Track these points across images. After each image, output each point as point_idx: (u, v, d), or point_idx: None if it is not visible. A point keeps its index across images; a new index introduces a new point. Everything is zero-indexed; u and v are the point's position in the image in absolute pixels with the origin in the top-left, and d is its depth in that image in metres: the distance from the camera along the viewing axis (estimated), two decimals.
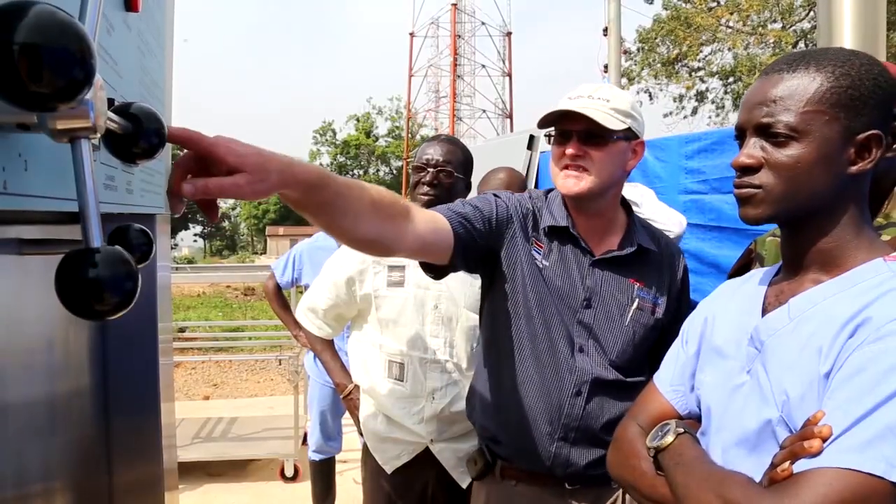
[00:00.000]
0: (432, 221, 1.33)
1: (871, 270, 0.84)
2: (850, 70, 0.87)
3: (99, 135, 0.48)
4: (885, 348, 0.75)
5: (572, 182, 1.40)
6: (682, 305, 1.51)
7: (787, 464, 0.79)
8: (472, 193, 2.64)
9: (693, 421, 1.05)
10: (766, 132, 0.90)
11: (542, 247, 1.49)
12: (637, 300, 1.46)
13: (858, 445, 0.73)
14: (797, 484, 0.76)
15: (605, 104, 1.38)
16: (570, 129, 1.40)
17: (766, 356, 0.88)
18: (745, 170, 0.92)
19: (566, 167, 1.41)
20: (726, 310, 1.03)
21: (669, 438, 0.97)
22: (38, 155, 0.54)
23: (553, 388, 1.45)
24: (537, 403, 1.46)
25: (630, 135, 1.43)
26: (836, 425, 0.75)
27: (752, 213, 0.92)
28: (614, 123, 1.37)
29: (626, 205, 1.57)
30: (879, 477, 0.71)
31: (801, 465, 0.77)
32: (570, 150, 1.39)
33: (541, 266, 1.47)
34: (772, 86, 0.90)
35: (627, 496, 1.47)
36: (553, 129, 1.44)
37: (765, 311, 0.94)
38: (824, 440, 0.76)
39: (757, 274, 1.04)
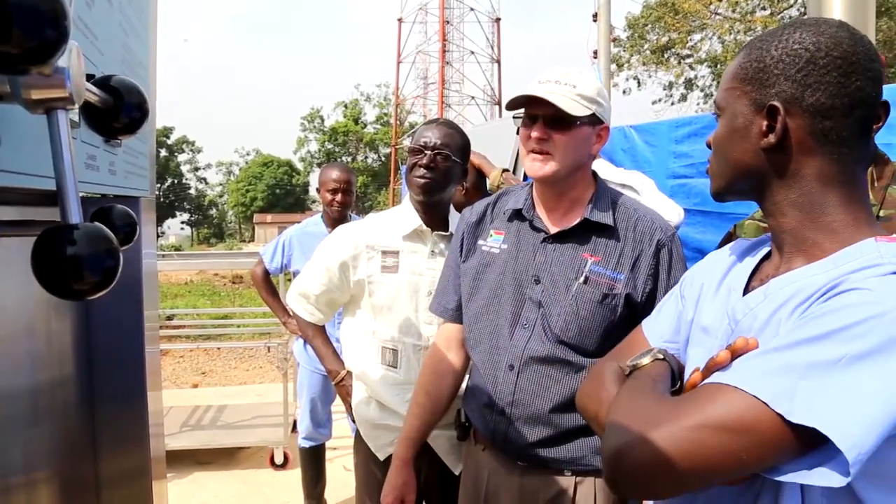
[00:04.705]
0: (453, 341, 1.69)
1: (858, 251, 0.80)
2: (766, 43, 0.86)
3: (77, 106, 0.46)
4: (841, 299, 0.73)
5: (538, 165, 1.46)
6: (662, 287, 1.46)
7: (697, 373, 0.84)
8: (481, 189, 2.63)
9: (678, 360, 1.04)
10: None
11: (502, 233, 1.60)
12: (586, 274, 1.45)
13: (761, 372, 0.73)
14: (696, 394, 0.78)
15: (571, 90, 1.42)
16: (537, 113, 1.44)
17: (738, 334, 0.87)
18: (709, 147, 0.97)
19: (532, 150, 1.46)
20: (716, 285, 1.01)
21: (645, 360, 0.99)
22: (13, 128, 0.51)
23: (490, 364, 1.54)
24: (480, 378, 1.58)
25: (595, 120, 1.47)
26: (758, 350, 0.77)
27: (710, 188, 0.97)
28: (578, 109, 1.42)
29: (598, 181, 1.58)
30: (765, 403, 0.70)
31: (711, 378, 0.79)
32: (534, 134, 1.44)
33: (497, 251, 1.58)
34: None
35: (580, 488, 1.46)
36: (522, 111, 1.49)
37: (747, 291, 0.93)
38: (734, 353, 0.79)
39: (752, 248, 1.01)
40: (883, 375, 0.67)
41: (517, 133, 1.53)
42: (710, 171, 0.96)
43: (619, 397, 0.92)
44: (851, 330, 0.69)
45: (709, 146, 0.97)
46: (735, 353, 0.80)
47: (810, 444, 0.69)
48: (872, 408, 0.66)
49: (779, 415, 0.69)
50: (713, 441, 0.72)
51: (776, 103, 0.83)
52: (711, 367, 0.82)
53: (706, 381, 0.80)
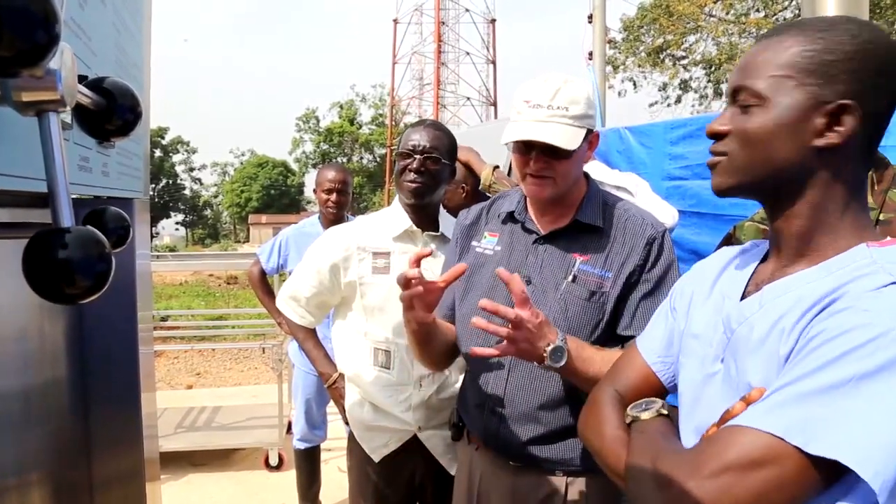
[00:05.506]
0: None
1: (850, 257, 0.79)
2: (830, 34, 0.79)
3: (68, 108, 0.45)
4: (839, 321, 0.71)
5: (537, 189, 1.45)
6: (651, 281, 1.45)
7: (714, 427, 0.81)
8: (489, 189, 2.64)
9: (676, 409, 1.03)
10: (736, 98, 0.85)
11: (496, 235, 1.61)
12: (575, 273, 1.45)
13: (771, 407, 0.71)
14: (711, 440, 0.76)
15: (563, 115, 1.38)
16: (533, 143, 1.41)
17: (736, 344, 0.86)
18: (716, 137, 0.88)
19: (531, 174, 1.44)
20: (707, 291, 0.99)
21: (647, 416, 0.97)
22: (4, 130, 0.51)
23: (481, 363, 1.54)
24: (472, 377, 1.59)
25: (588, 133, 1.45)
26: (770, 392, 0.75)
27: (716, 181, 0.88)
28: (575, 138, 1.39)
29: (589, 182, 1.57)
30: (780, 438, 0.69)
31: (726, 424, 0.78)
32: (533, 165, 1.42)
33: (491, 253, 1.59)
34: (755, 52, 0.85)
35: (571, 488, 1.47)
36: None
37: (744, 297, 0.91)
38: (748, 404, 0.76)
39: (743, 254, 1.00)
40: (895, 393, 0.65)
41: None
42: (724, 165, 0.87)
43: (633, 455, 0.90)
44: (855, 353, 0.68)
45: (716, 136, 0.88)
46: (749, 403, 0.78)
47: (834, 473, 0.67)
48: (889, 428, 0.65)
49: (797, 448, 0.67)
50: (739, 484, 0.71)
51: (850, 102, 0.77)
52: (727, 419, 0.80)
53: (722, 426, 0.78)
